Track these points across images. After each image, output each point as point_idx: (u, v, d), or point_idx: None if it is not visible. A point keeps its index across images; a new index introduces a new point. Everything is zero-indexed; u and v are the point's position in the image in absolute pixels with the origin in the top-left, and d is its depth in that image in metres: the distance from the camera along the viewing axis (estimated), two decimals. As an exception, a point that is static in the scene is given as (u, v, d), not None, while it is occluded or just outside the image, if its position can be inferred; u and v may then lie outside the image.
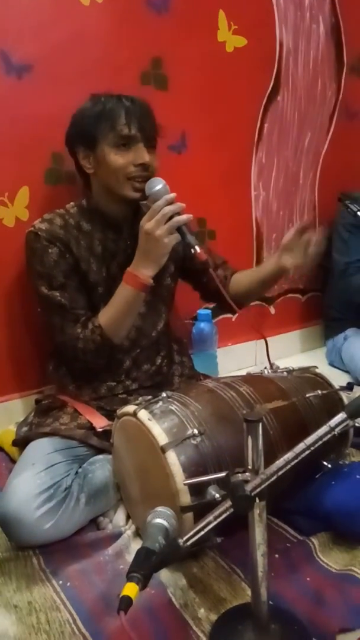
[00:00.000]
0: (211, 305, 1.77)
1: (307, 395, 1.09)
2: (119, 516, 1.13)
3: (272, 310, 2.03)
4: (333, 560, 0.98)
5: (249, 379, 1.14)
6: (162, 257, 1.16)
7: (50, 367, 1.36)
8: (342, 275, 1.86)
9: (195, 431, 0.93)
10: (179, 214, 1.14)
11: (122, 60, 1.51)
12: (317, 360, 1.94)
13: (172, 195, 1.14)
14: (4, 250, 1.43)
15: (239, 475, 0.75)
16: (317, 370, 1.23)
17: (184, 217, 1.14)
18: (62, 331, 1.21)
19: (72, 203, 1.29)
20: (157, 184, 1.16)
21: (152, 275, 1.17)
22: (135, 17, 1.51)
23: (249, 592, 0.88)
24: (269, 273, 1.29)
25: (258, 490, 0.73)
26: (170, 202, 1.13)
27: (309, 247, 1.20)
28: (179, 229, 1.14)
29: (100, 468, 1.14)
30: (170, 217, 1.13)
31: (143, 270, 1.16)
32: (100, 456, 1.18)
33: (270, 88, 1.82)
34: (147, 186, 1.17)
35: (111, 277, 1.24)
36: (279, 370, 1.22)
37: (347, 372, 1.87)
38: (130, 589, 0.65)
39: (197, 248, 1.13)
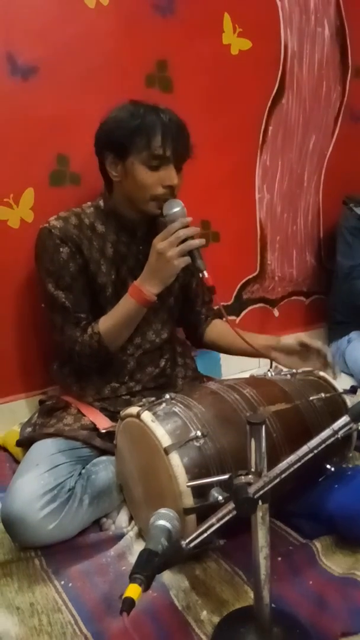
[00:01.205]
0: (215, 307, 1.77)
1: (311, 398, 1.09)
2: (122, 517, 1.13)
3: (276, 312, 2.02)
4: (336, 563, 0.98)
5: (252, 381, 1.14)
6: (169, 278, 1.18)
7: (55, 366, 1.36)
8: (346, 278, 1.85)
9: (199, 433, 0.93)
10: (192, 237, 1.15)
11: (127, 62, 1.51)
12: (320, 363, 1.93)
13: (189, 219, 1.17)
14: (10, 252, 1.44)
15: (242, 477, 0.75)
16: (321, 373, 1.23)
17: (196, 241, 1.15)
18: (61, 331, 1.23)
19: (88, 203, 1.30)
20: (176, 207, 1.18)
21: (156, 293, 1.19)
22: (140, 19, 1.52)
23: (251, 594, 0.88)
24: (253, 352, 1.29)
25: (261, 492, 0.72)
26: (185, 225, 1.15)
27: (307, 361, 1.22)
28: (190, 253, 1.16)
29: (104, 469, 1.14)
30: (184, 240, 1.14)
31: (148, 287, 1.18)
32: (104, 457, 1.18)
33: (275, 91, 1.82)
34: (165, 206, 1.19)
35: (120, 280, 1.25)
36: (282, 373, 1.21)
37: (350, 375, 1.86)
38: (133, 591, 0.65)
39: (206, 273, 1.15)
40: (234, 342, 1.32)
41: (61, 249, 1.21)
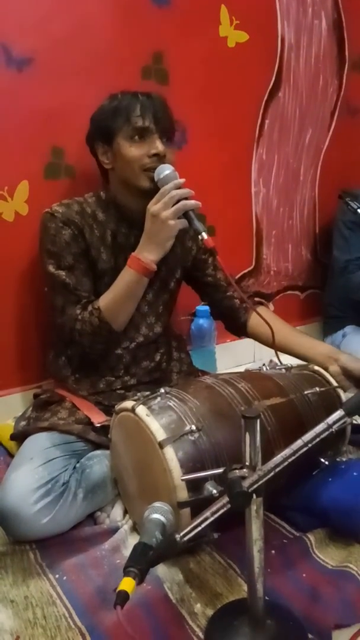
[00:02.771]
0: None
1: (305, 392, 1.09)
2: (117, 511, 1.13)
3: (271, 306, 2.02)
4: (329, 556, 0.98)
5: (247, 375, 1.14)
6: (167, 241, 1.16)
7: (50, 357, 1.36)
8: (342, 272, 1.85)
9: (193, 427, 0.93)
10: (187, 199, 1.13)
11: (123, 54, 1.50)
12: (315, 357, 1.93)
13: (181, 180, 1.15)
14: (4, 245, 1.43)
15: (237, 471, 0.75)
16: (316, 368, 1.23)
17: (192, 202, 1.14)
18: (62, 311, 1.22)
19: (90, 193, 1.30)
20: (166, 169, 1.16)
21: (155, 260, 1.17)
22: (136, 11, 1.51)
23: (245, 587, 0.89)
24: (301, 354, 1.26)
25: (255, 486, 0.73)
26: (178, 187, 1.13)
27: None
28: (186, 215, 1.13)
29: (98, 463, 1.14)
30: (179, 202, 1.13)
31: (147, 254, 1.16)
32: (98, 451, 1.18)
33: (271, 84, 1.82)
34: (156, 172, 1.17)
35: (118, 269, 1.23)
36: (277, 367, 1.21)
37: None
38: (127, 584, 0.65)
39: (205, 235, 1.12)
40: (287, 341, 1.27)
41: (63, 231, 1.21)
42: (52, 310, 1.26)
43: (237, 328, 1.42)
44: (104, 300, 1.19)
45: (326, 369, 1.18)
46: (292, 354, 1.29)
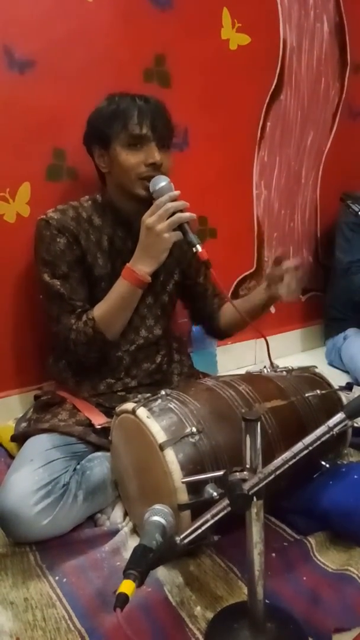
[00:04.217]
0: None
1: (306, 394, 1.09)
2: (117, 513, 1.13)
3: (272, 309, 2.02)
4: (330, 559, 0.98)
5: (248, 377, 1.14)
6: (161, 253, 1.16)
7: (50, 360, 1.36)
8: (344, 274, 1.86)
9: (194, 429, 0.93)
10: (182, 211, 1.14)
11: (125, 56, 1.51)
12: (316, 359, 1.94)
13: (176, 192, 1.15)
14: (6, 246, 1.43)
15: (237, 474, 0.75)
16: (317, 370, 1.23)
17: (186, 214, 1.14)
18: (57, 320, 1.22)
19: (86, 197, 1.30)
20: (162, 181, 1.16)
21: (149, 272, 1.17)
22: (138, 13, 1.51)
23: (245, 590, 0.88)
24: (258, 304, 1.30)
25: (256, 489, 0.72)
26: (173, 199, 1.14)
27: (291, 275, 1.19)
28: (180, 227, 1.14)
29: (99, 465, 1.14)
30: (174, 214, 1.13)
31: (141, 266, 1.17)
32: (99, 453, 1.18)
33: (273, 86, 1.82)
34: (151, 183, 1.17)
35: (115, 274, 1.24)
36: (278, 370, 1.21)
37: (346, 372, 1.87)
38: (127, 586, 0.65)
39: (199, 247, 1.13)
40: (241, 309, 1.30)
41: (58, 239, 1.20)
42: (48, 319, 1.26)
43: (214, 329, 1.46)
44: (98, 311, 1.20)
45: (273, 292, 1.23)
46: (252, 310, 1.30)
